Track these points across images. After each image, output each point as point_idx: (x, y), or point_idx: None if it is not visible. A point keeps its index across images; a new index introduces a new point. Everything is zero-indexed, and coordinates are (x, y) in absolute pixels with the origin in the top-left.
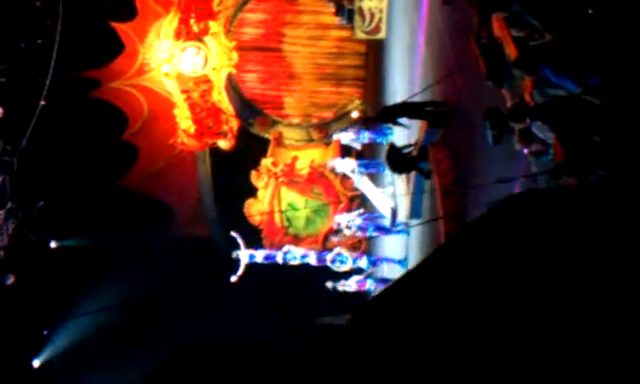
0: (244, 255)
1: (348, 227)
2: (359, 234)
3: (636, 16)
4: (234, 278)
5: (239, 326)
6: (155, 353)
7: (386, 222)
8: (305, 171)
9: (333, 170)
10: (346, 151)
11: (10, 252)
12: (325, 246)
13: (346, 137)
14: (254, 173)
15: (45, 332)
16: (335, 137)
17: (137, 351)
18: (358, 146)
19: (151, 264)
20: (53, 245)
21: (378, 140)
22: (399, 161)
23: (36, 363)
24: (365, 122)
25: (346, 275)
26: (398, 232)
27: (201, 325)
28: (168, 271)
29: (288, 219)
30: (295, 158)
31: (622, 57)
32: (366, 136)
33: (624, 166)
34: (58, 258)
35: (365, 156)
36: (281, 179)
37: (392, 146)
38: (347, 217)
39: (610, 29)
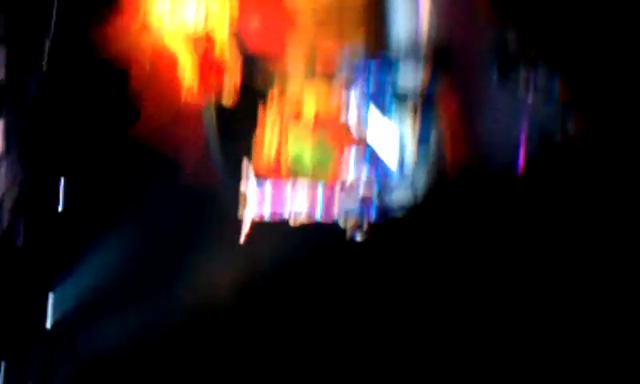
0: (252, 186)
1: (355, 178)
2: (366, 179)
3: None
4: (241, 239)
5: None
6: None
7: (392, 168)
8: (311, 117)
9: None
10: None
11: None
12: (332, 195)
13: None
14: (259, 122)
15: (54, 293)
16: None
17: (147, 299)
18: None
19: (160, 218)
20: (59, 207)
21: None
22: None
23: (48, 324)
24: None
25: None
26: (403, 179)
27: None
28: (176, 225)
29: (295, 164)
30: (301, 105)
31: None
32: (372, 79)
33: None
34: (65, 219)
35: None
36: (286, 125)
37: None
38: (352, 170)
39: None
